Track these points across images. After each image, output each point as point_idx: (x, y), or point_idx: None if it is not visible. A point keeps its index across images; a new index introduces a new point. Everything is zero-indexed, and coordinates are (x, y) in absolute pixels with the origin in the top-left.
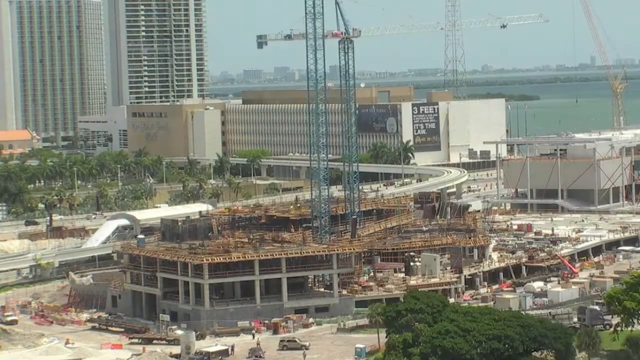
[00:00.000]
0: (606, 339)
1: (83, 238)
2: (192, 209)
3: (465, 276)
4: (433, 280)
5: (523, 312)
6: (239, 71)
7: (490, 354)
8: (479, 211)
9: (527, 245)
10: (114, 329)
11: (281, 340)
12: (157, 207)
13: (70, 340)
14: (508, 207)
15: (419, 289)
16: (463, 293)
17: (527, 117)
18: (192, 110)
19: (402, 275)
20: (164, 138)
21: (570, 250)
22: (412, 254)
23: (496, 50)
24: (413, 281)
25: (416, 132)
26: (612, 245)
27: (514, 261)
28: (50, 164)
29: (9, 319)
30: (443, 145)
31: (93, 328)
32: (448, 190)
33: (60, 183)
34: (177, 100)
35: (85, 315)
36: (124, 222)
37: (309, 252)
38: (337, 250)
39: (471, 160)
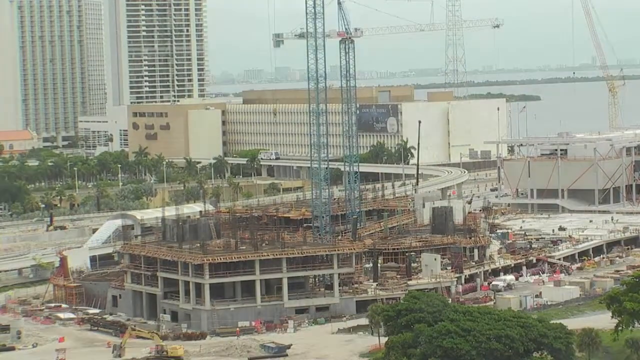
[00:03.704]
0: (606, 339)
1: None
2: (193, 209)
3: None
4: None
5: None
6: (239, 71)
7: (490, 354)
8: (480, 211)
9: (527, 246)
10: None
11: None
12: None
13: (64, 339)
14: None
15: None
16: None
17: (527, 117)
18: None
19: None
20: (165, 138)
21: (570, 250)
22: (412, 254)
23: (497, 50)
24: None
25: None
26: (612, 245)
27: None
28: (50, 164)
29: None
30: (444, 145)
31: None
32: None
33: (61, 183)
34: (178, 100)
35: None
36: (125, 221)
37: (309, 252)
38: (338, 250)
39: (472, 160)
